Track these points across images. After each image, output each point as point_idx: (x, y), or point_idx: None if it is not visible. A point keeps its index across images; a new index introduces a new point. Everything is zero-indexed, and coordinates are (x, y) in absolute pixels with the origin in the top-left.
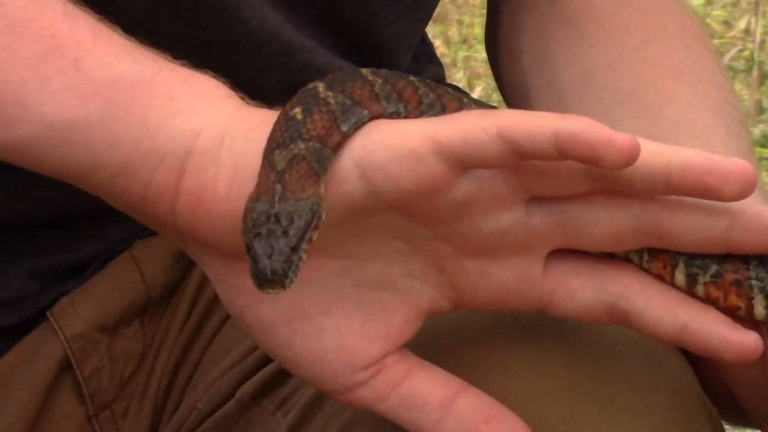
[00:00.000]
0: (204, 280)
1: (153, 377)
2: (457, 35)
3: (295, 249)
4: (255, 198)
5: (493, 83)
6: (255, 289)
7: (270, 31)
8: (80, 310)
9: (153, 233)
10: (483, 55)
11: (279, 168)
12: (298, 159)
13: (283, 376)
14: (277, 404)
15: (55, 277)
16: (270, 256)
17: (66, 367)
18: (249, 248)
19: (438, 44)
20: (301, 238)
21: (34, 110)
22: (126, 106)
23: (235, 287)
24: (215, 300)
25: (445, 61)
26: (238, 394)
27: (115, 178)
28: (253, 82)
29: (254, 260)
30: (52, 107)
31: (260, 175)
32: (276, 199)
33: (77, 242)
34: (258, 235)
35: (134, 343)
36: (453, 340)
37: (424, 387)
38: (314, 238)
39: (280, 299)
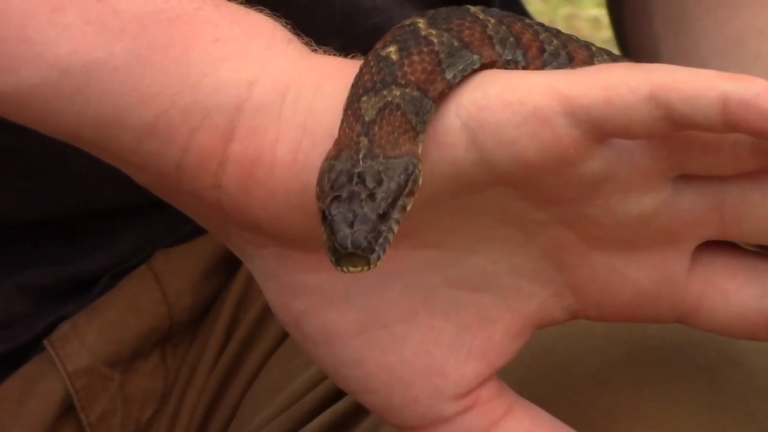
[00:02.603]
0: (244, 300)
1: (178, 424)
2: None
3: (383, 217)
4: (334, 156)
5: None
6: (320, 289)
7: None
8: (85, 339)
9: (177, 241)
10: (588, 12)
11: (366, 118)
12: (391, 108)
13: (347, 422)
14: None
15: (52, 296)
16: (352, 225)
17: (68, 409)
18: (325, 216)
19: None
20: (392, 204)
21: (41, 49)
22: (160, 47)
23: (291, 287)
24: (260, 324)
25: (543, 19)
26: None
27: (144, 140)
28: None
29: (331, 230)
30: (66, 46)
31: (341, 128)
32: (360, 156)
33: (81, 251)
34: (337, 198)
35: (153, 380)
36: (567, 375)
37: None
38: (408, 207)
39: (352, 302)
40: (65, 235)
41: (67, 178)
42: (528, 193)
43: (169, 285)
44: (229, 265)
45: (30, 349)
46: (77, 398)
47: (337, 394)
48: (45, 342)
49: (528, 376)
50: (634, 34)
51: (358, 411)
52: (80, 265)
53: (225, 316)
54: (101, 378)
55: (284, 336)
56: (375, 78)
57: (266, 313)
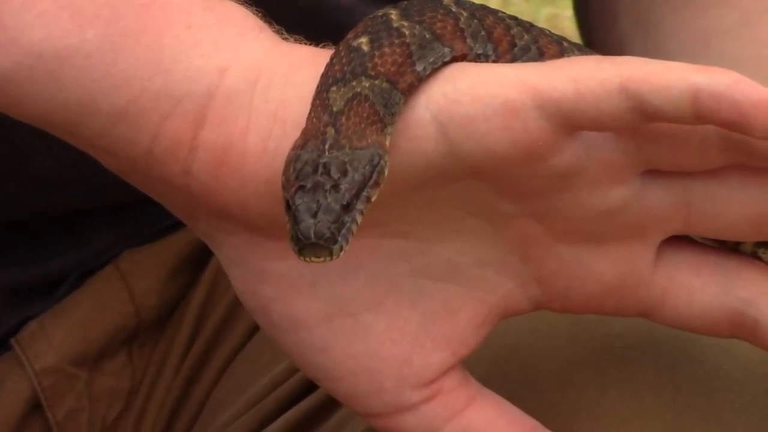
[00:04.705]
0: (210, 299)
1: (144, 422)
2: None
3: (347, 207)
4: (300, 145)
5: None
6: (287, 277)
7: None
8: (52, 338)
9: (144, 241)
10: (570, 12)
11: (334, 108)
12: (359, 99)
13: (312, 420)
14: None
15: (19, 296)
16: (315, 215)
17: (34, 408)
18: (289, 206)
19: None
20: (356, 196)
21: (15, 35)
22: (133, 33)
23: (260, 273)
24: (226, 323)
25: (525, 19)
26: None
27: (115, 125)
28: None
29: (294, 219)
30: (39, 32)
31: (309, 118)
32: (326, 147)
33: (48, 252)
34: (301, 188)
35: (120, 379)
36: (531, 373)
37: (488, 424)
38: (373, 198)
39: (318, 290)
40: (32, 236)
41: (31, 180)
42: (497, 185)
43: (135, 284)
44: (195, 264)
45: None
46: (44, 397)
47: (302, 392)
48: (12, 341)
49: (492, 374)
50: (601, 37)
51: (323, 410)
52: (47, 265)
53: (191, 315)
54: (68, 377)
55: (250, 335)
56: (345, 68)
57: (232, 312)
